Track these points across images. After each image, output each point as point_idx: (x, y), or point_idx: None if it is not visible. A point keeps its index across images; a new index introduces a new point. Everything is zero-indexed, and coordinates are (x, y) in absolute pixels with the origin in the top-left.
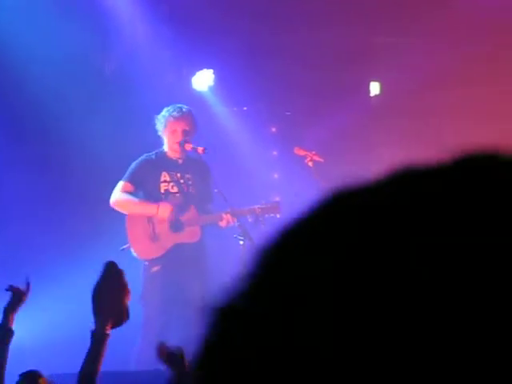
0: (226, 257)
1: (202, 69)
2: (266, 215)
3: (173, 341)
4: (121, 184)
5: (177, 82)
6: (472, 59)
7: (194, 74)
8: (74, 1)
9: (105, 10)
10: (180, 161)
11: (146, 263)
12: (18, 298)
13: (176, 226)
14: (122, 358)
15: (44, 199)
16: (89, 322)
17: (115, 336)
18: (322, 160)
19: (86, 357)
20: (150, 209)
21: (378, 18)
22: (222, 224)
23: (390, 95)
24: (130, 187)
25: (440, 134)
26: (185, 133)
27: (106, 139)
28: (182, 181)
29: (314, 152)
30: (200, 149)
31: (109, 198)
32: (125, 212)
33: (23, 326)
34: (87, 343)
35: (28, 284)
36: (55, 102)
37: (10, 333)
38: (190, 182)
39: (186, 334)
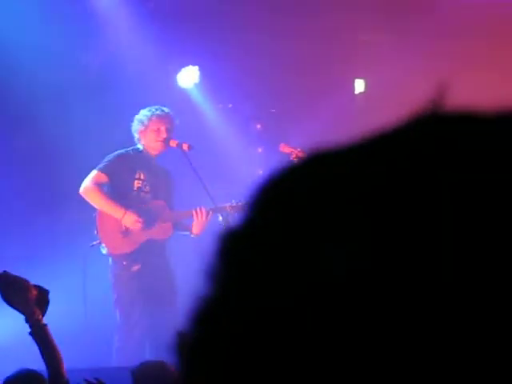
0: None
1: (187, 65)
2: (237, 214)
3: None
4: (94, 173)
5: (162, 78)
6: (457, 56)
7: (179, 70)
8: None
9: (90, 6)
10: (153, 162)
11: (124, 263)
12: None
13: (148, 222)
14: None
15: (23, 196)
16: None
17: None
18: None
19: (42, 355)
20: (116, 212)
21: (364, 16)
22: (196, 220)
23: (374, 93)
24: (104, 178)
25: None
26: (168, 131)
27: (91, 135)
28: (154, 182)
29: (299, 149)
30: (185, 145)
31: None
32: (92, 204)
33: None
34: (74, 338)
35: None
36: (40, 100)
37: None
38: (160, 185)
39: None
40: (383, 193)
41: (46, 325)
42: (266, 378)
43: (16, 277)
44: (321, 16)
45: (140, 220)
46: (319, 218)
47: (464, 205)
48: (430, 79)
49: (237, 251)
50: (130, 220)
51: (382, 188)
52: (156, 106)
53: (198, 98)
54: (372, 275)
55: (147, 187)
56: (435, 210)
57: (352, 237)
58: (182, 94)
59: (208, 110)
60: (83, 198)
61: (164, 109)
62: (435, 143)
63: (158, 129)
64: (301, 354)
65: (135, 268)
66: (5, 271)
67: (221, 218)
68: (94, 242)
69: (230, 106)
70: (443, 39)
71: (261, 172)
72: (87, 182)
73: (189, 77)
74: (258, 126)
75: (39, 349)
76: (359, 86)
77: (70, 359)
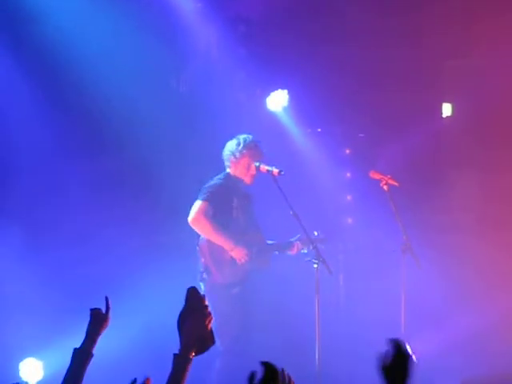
0: (300, 280)
1: (276, 89)
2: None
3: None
4: (201, 204)
5: (251, 102)
6: None
7: (268, 94)
8: (155, 21)
9: (183, 30)
10: (244, 189)
11: (229, 286)
12: (100, 321)
13: (252, 256)
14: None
15: (121, 212)
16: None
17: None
18: (397, 184)
19: (168, 380)
20: (227, 243)
21: (451, 41)
22: (292, 252)
23: (461, 117)
24: (210, 207)
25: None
26: (257, 168)
27: (182, 158)
28: (246, 208)
29: (389, 176)
30: (275, 171)
31: (183, 211)
32: (202, 234)
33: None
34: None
35: (108, 307)
36: (129, 114)
37: (89, 356)
38: (248, 209)
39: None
40: None
41: (191, 359)
42: None
43: (205, 303)
44: (409, 40)
45: (248, 255)
46: None
47: None
48: None
49: None
50: (239, 254)
51: None
52: (249, 138)
53: (287, 122)
54: None
55: (240, 213)
56: None
57: None
58: (271, 117)
59: (297, 134)
60: (177, 219)
61: (252, 141)
62: None
63: (249, 165)
64: None
65: (234, 291)
66: (202, 295)
67: (312, 247)
68: (202, 269)
69: (319, 130)
70: None
71: (349, 197)
72: (196, 213)
73: (278, 100)
74: (347, 151)
75: (170, 377)
76: (447, 109)
77: None
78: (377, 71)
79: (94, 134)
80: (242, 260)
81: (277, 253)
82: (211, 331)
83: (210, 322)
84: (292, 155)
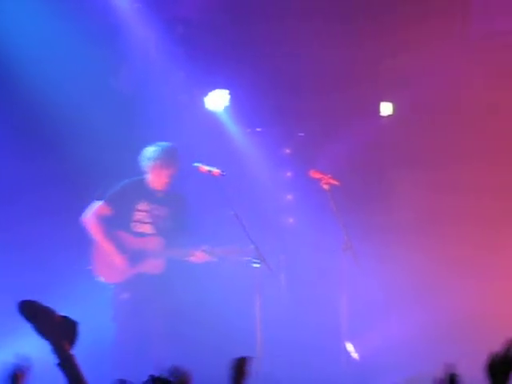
0: (241, 280)
1: (215, 89)
2: (242, 258)
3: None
4: (98, 205)
5: (190, 101)
6: (489, 80)
7: (206, 94)
8: (92, 22)
9: (120, 30)
10: (160, 194)
11: (115, 290)
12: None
13: (135, 259)
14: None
15: (56, 213)
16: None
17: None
18: (337, 183)
19: None
20: (113, 256)
21: (388, 40)
22: (194, 260)
23: (402, 116)
24: (107, 210)
25: (453, 152)
26: (170, 176)
27: (120, 157)
28: (157, 213)
29: (329, 175)
30: (216, 171)
31: None
32: (90, 234)
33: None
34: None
35: None
36: (69, 113)
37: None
38: (164, 215)
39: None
40: None
41: (72, 355)
42: None
43: (40, 306)
44: (347, 40)
45: (124, 265)
46: None
47: None
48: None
49: None
50: (117, 262)
51: None
52: (166, 148)
53: (227, 122)
54: None
55: (148, 219)
56: None
57: None
58: (209, 117)
59: (236, 133)
60: None
61: (168, 152)
62: None
63: (161, 173)
64: None
65: (124, 296)
66: (29, 300)
67: (253, 246)
68: (90, 267)
69: (259, 130)
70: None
71: (289, 197)
72: (91, 214)
73: (218, 100)
74: (287, 151)
75: (66, 380)
76: (387, 108)
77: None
78: (316, 71)
79: (33, 134)
80: (119, 266)
81: (186, 259)
82: (65, 319)
83: (55, 314)
84: (232, 155)
